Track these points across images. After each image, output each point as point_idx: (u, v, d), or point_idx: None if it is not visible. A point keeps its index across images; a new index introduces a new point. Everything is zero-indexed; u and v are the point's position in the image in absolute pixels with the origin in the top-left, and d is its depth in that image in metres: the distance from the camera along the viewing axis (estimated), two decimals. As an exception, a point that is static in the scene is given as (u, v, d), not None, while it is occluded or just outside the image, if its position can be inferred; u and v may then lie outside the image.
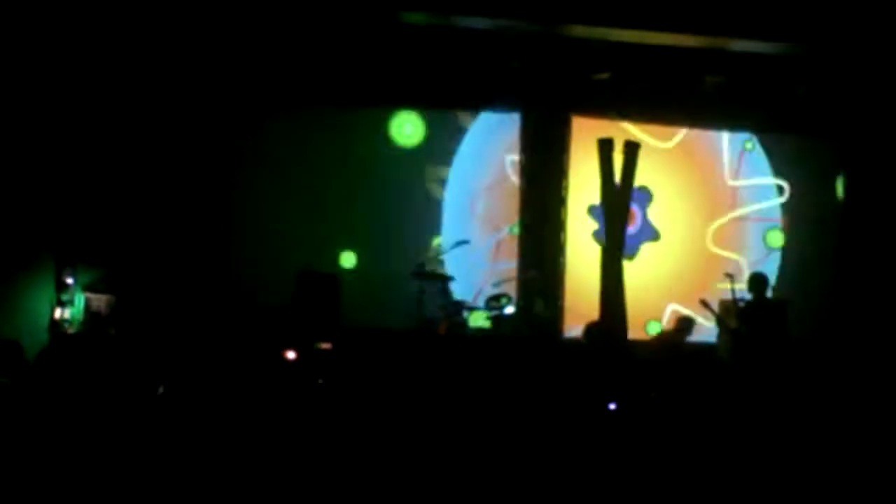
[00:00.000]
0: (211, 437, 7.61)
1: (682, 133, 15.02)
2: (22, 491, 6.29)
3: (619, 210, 13.41)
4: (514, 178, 14.47)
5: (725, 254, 14.88)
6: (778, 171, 15.22)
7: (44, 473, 6.59)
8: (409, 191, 14.32)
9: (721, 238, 15.04)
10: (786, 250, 15.15)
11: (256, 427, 8.01)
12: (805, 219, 15.21)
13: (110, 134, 13.05)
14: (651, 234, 14.90)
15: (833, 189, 15.22)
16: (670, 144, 14.97)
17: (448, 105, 14.31)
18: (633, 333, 13.20)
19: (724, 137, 15.19)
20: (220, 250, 13.75)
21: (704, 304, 12.54)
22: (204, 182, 13.67)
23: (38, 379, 10.74)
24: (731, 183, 15.14)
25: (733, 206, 15.14)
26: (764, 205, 15.19)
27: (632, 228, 14.24)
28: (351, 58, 13.68)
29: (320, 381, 11.55)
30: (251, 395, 9.43)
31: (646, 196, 14.81)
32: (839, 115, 14.85)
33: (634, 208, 14.40)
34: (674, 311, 14.09)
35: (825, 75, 14.36)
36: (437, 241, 13.96)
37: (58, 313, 12.39)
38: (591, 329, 12.35)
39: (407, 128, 14.27)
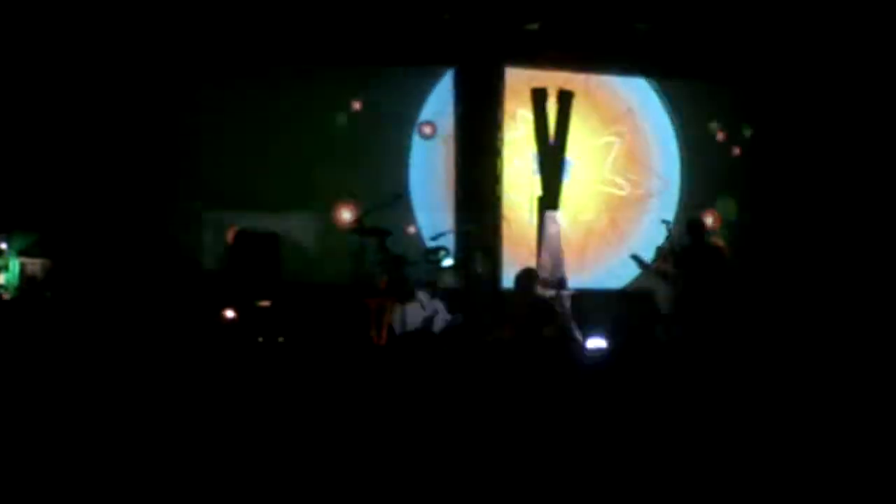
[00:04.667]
0: (153, 400, 7.58)
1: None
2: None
3: (554, 158, 13.53)
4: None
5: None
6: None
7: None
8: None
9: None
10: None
11: (199, 389, 7.98)
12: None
13: (41, 96, 12.87)
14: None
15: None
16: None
17: (381, 62, 14.18)
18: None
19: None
20: (159, 213, 13.60)
21: (636, 258, 12.68)
22: (141, 143, 13.52)
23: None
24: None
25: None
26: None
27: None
28: (281, 16, 13.54)
29: (260, 339, 11.58)
30: (191, 356, 9.41)
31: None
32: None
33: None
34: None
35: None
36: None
37: (-8, 279, 12.27)
38: (520, 276, 12.46)
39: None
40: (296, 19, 13.53)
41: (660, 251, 12.94)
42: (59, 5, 12.84)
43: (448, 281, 12.73)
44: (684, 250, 12.27)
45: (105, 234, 13.04)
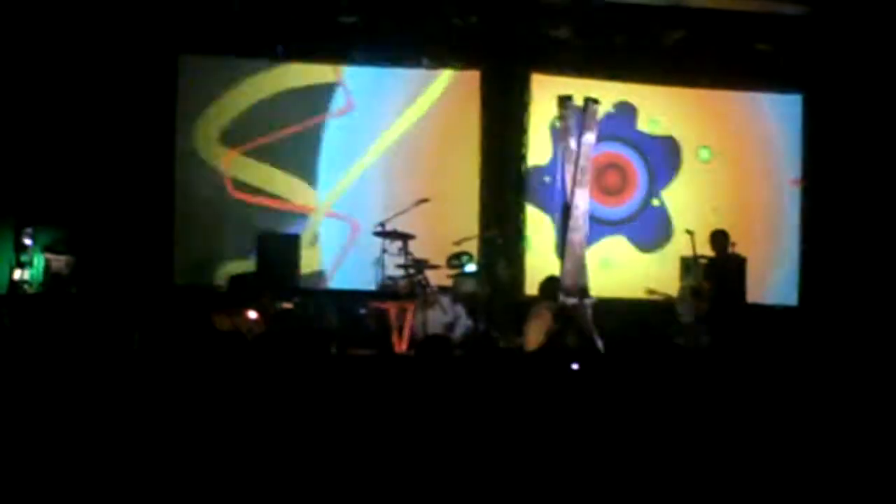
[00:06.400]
0: (173, 398, 7.60)
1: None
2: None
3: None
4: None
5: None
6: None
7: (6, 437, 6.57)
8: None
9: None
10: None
11: (218, 389, 8.00)
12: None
13: (66, 94, 12.94)
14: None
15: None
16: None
17: (407, 63, 14.22)
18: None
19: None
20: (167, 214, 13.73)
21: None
22: (168, 141, 13.68)
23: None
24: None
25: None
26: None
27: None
28: (308, 11, 13.65)
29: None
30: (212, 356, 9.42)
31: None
32: (801, 69, 14.84)
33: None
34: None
35: (787, 30, 14.34)
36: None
37: (17, 275, 12.33)
38: (544, 284, 12.45)
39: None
40: (318, 18, 13.66)
41: (683, 262, 12.88)
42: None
43: (470, 287, 12.69)
44: (710, 261, 12.22)
45: (130, 231, 13.10)
